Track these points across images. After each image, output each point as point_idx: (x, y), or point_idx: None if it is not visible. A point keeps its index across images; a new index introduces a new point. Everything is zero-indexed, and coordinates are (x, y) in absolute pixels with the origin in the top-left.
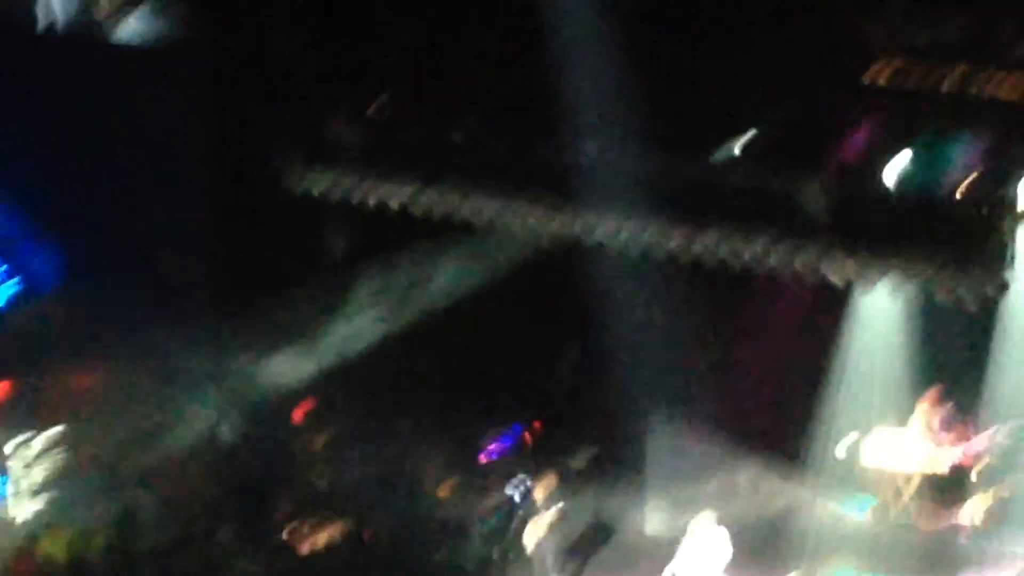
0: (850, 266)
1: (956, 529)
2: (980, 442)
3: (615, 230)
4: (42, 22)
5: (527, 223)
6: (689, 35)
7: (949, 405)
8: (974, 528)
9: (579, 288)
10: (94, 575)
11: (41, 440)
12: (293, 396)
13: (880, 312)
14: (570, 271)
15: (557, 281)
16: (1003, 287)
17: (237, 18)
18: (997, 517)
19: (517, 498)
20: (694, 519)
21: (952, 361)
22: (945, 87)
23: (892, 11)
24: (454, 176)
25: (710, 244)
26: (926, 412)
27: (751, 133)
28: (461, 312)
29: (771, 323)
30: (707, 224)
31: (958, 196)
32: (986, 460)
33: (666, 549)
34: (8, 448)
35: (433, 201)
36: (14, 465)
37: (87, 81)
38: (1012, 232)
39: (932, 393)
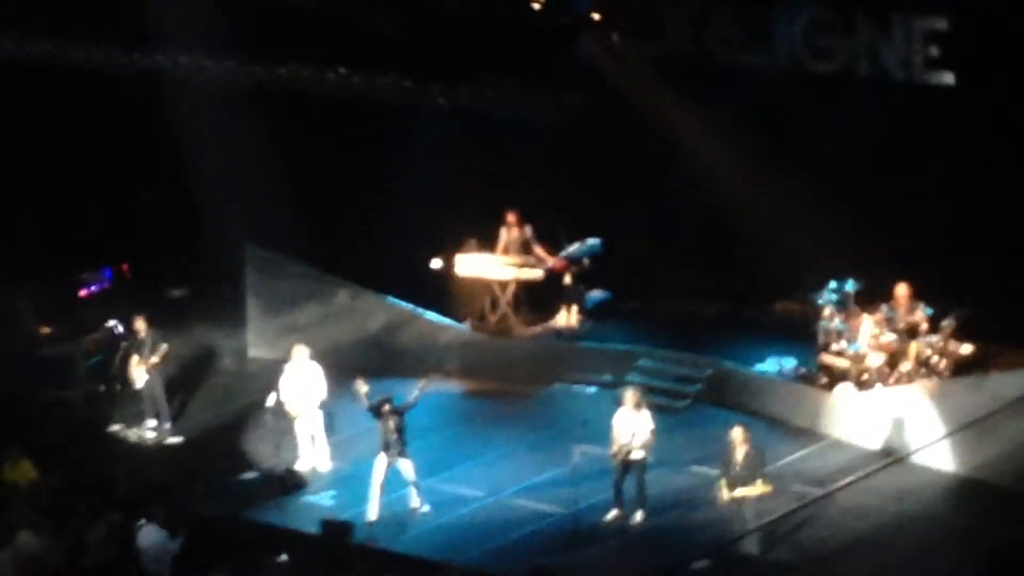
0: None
1: (553, 332)
2: (570, 250)
3: (196, 65)
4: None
5: (108, 63)
6: None
7: (530, 226)
8: (571, 330)
9: (164, 125)
10: None
11: None
12: None
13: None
14: (153, 109)
15: (140, 120)
16: (570, 105)
17: None
18: (590, 318)
19: (118, 331)
20: (294, 347)
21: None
22: None
23: None
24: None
25: (292, 73)
26: (509, 230)
27: None
28: (48, 155)
29: (356, 150)
30: (287, 55)
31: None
32: (582, 263)
33: (268, 373)
34: None
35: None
36: None
37: None
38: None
39: (514, 212)
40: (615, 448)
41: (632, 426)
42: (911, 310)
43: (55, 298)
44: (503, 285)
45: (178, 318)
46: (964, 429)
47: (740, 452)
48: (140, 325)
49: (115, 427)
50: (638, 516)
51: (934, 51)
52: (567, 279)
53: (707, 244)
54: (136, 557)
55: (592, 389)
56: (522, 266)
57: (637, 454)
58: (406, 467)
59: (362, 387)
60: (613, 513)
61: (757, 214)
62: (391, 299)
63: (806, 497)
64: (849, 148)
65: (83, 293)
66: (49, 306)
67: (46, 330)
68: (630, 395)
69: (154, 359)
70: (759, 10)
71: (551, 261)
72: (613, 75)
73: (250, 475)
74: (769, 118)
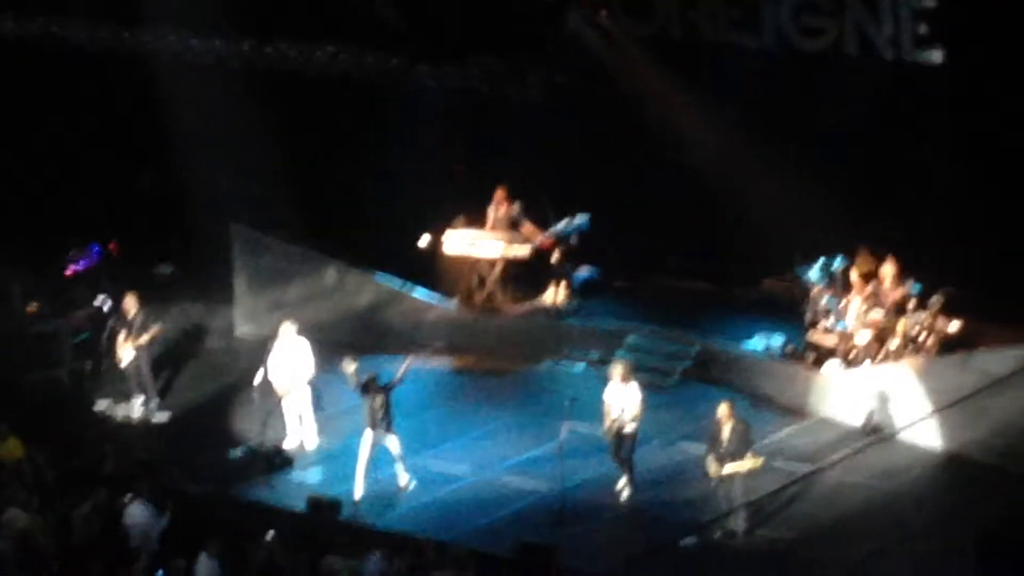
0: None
1: (540, 310)
2: (558, 227)
3: (184, 44)
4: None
5: (96, 42)
6: None
7: (517, 203)
8: (558, 308)
9: (153, 104)
10: None
11: None
12: None
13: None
14: (141, 88)
15: (128, 99)
16: (558, 84)
17: None
18: (578, 295)
19: (106, 309)
20: (281, 323)
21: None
22: None
23: None
24: None
25: (280, 52)
26: (497, 208)
27: None
28: (35, 134)
29: (344, 128)
30: (275, 34)
31: None
32: (570, 241)
33: (255, 351)
34: None
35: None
36: None
37: None
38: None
39: (502, 189)
40: (607, 423)
41: (622, 400)
42: (899, 288)
43: (43, 276)
44: (491, 263)
45: (165, 296)
46: (951, 406)
47: (727, 429)
48: (130, 303)
49: (102, 404)
50: (625, 491)
51: (923, 29)
52: (555, 257)
53: (696, 222)
54: (123, 534)
55: (580, 366)
56: (510, 244)
57: (628, 427)
58: (393, 444)
59: (350, 365)
60: (623, 480)
61: (745, 192)
62: (379, 276)
63: (794, 474)
64: (838, 127)
65: (70, 271)
66: (36, 284)
67: (33, 308)
68: (617, 369)
69: (145, 338)
70: None
71: (539, 239)
72: (601, 54)
73: (237, 452)
74: (757, 97)
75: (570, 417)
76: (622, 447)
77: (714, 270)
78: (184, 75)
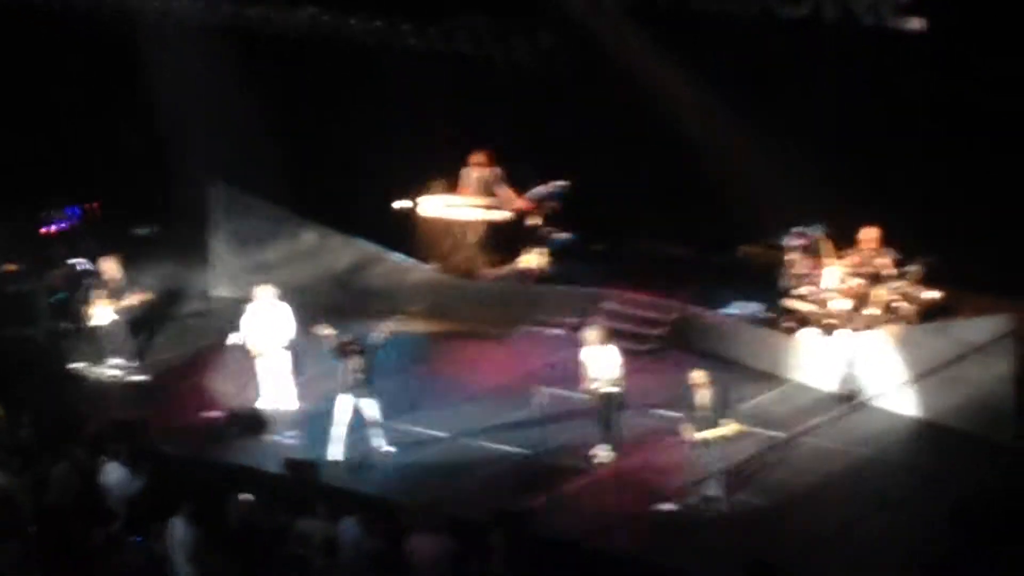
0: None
1: (519, 274)
2: (537, 191)
3: (166, 3)
4: None
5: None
6: None
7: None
8: (537, 272)
9: (134, 63)
10: None
11: None
12: None
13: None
14: (123, 47)
15: (110, 58)
16: (541, 47)
17: None
18: (556, 260)
19: (85, 267)
20: (259, 286)
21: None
22: None
23: None
24: None
25: (262, 14)
26: (474, 171)
27: None
28: (15, 93)
29: (325, 90)
30: None
31: None
32: (549, 205)
33: (233, 312)
34: None
35: None
36: None
37: None
38: None
39: (482, 153)
40: (585, 384)
41: (600, 363)
42: (877, 255)
43: (20, 235)
44: (469, 226)
45: (143, 256)
46: (929, 374)
47: (703, 395)
48: (110, 265)
49: (78, 365)
50: (604, 453)
51: None
52: (534, 220)
53: (674, 187)
54: (99, 495)
55: (558, 331)
56: (488, 207)
57: (612, 389)
58: (370, 407)
59: (324, 330)
60: (601, 446)
61: (725, 158)
62: (358, 239)
63: (770, 441)
64: (818, 94)
65: (47, 230)
66: (12, 244)
67: (9, 267)
68: (594, 333)
69: (130, 302)
70: None
71: (518, 202)
72: (586, 18)
73: (214, 414)
74: (739, 63)
75: (548, 382)
76: (610, 410)
77: (692, 236)
78: (166, 35)
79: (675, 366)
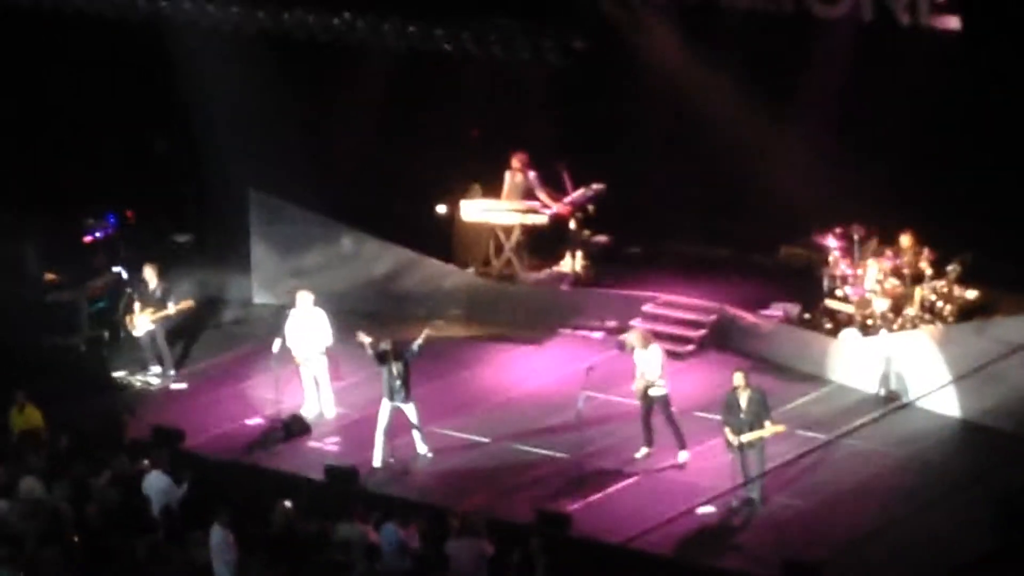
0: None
1: (557, 278)
2: (577, 194)
3: (201, 11)
4: None
5: (113, 8)
6: None
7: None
8: (576, 276)
9: (169, 71)
10: None
11: None
12: None
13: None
14: (158, 55)
15: (145, 66)
16: (575, 49)
17: None
18: (595, 263)
19: (124, 276)
20: (298, 292)
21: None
22: None
23: None
24: None
25: (297, 19)
26: (514, 175)
27: None
28: (52, 102)
29: (361, 95)
30: (292, 1)
31: None
32: (587, 208)
33: (273, 319)
34: None
35: None
36: None
37: None
38: None
39: (519, 156)
40: (635, 384)
41: (644, 363)
42: (916, 255)
43: (60, 244)
44: (507, 230)
45: (183, 264)
46: (969, 374)
47: (743, 397)
48: (150, 274)
49: (119, 373)
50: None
51: None
52: (572, 224)
53: (713, 189)
54: (141, 503)
55: (597, 334)
56: (527, 211)
57: (657, 391)
58: (410, 413)
59: (363, 338)
60: (643, 451)
61: (763, 159)
62: (395, 245)
63: (811, 442)
64: (855, 93)
65: (87, 239)
66: (54, 252)
67: (51, 277)
68: (636, 337)
69: (171, 311)
70: None
71: (556, 206)
72: (619, 20)
73: (254, 421)
74: (775, 63)
75: (587, 385)
76: (652, 410)
77: (731, 237)
78: (201, 42)
79: (715, 368)
